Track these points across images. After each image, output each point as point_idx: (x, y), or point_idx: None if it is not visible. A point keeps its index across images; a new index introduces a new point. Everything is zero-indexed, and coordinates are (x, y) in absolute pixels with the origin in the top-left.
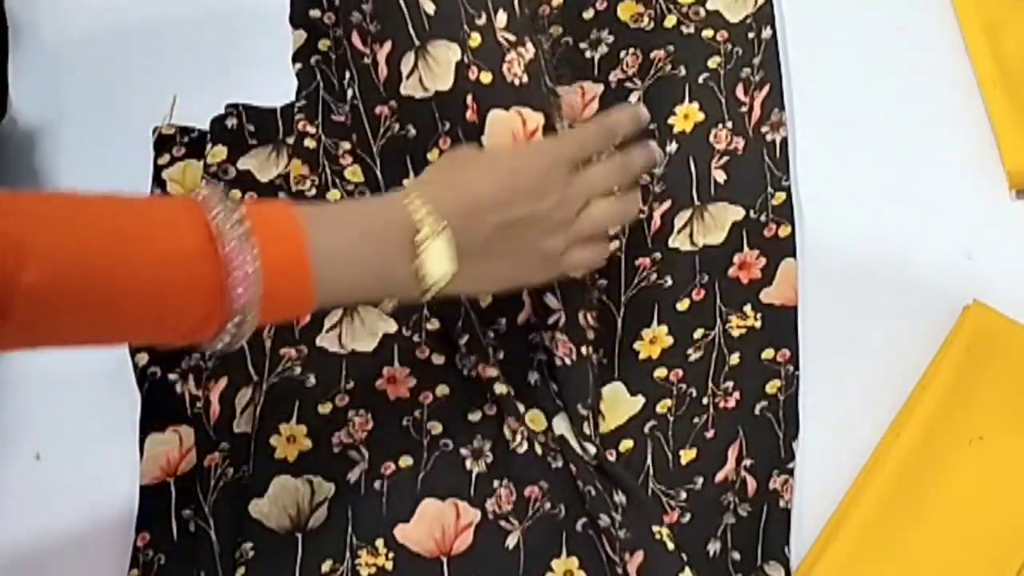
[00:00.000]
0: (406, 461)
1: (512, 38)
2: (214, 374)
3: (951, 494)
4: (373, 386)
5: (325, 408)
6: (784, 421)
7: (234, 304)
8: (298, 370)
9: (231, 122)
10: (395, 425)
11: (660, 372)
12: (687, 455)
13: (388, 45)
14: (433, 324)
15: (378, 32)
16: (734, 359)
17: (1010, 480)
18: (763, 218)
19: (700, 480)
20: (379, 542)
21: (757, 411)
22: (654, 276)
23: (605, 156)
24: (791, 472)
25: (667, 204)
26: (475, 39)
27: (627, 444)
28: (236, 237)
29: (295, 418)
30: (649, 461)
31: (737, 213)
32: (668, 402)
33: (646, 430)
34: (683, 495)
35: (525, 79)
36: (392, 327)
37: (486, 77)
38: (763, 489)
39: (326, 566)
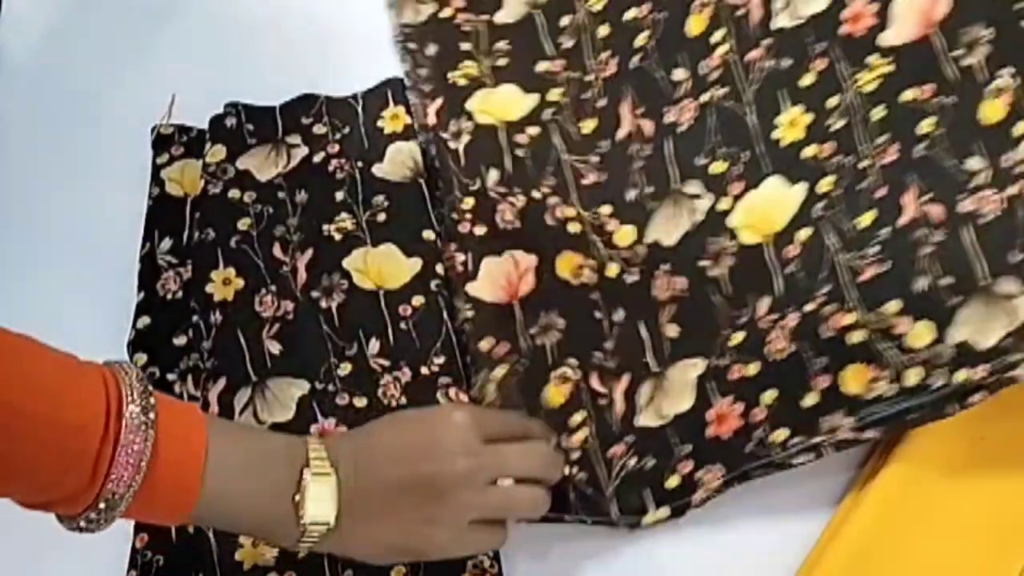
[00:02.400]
0: None
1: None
2: (213, 375)
3: (951, 494)
4: None
5: None
6: (953, 151)
7: (108, 484)
8: None
9: (230, 121)
10: None
11: (809, 151)
12: (865, 219)
13: None
14: (344, 369)
15: None
16: (877, 112)
17: (1010, 481)
18: None
19: (886, 231)
20: None
21: (917, 155)
22: (770, 63)
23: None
24: (976, 190)
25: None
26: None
27: (806, 233)
28: (137, 424)
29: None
30: (831, 240)
31: None
32: (829, 179)
33: (817, 214)
34: (873, 249)
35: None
36: (305, 387)
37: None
38: (952, 214)
39: None
